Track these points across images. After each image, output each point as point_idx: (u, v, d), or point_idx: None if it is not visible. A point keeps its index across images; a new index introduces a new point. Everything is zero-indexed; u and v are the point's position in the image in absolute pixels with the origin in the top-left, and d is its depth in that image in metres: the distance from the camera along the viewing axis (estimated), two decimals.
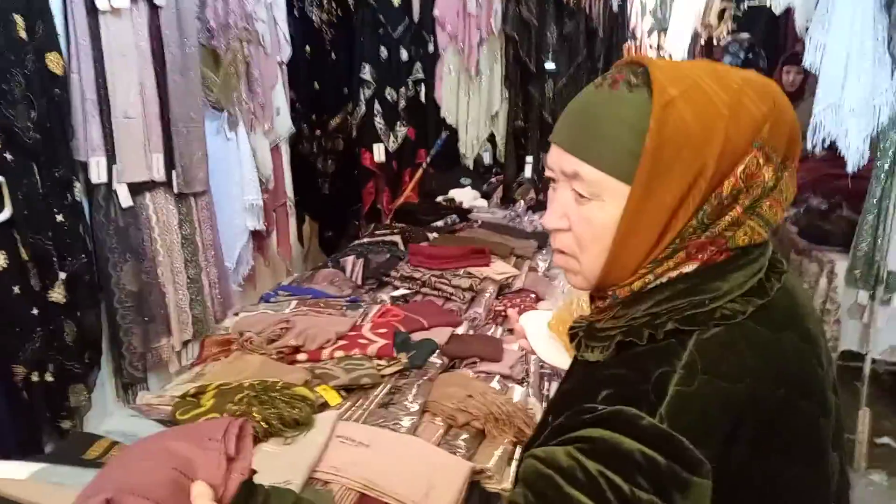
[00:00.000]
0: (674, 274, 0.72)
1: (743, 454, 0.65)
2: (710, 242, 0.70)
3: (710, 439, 0.63)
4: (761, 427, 0.66)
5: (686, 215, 0.69)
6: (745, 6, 6.31)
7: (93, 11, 2.20)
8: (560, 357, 1.17)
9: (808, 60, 2.83)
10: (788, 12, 5.52)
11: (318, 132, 3.78)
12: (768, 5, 5.98)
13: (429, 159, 3.77)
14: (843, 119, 2.77)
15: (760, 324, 0.69)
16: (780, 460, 0.68)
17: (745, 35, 4.56)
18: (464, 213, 3.37)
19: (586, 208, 0.73)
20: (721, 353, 0.67)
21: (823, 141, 2.83)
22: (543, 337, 1.20)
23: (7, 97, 1.95)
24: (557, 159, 0.76)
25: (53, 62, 2.10)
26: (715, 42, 6.87)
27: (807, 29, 3.01)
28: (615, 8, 3.63)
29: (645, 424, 0.63)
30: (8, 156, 1.98)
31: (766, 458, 0.66)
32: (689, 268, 0.72)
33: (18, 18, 2.00)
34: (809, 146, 2.85)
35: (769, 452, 0.67)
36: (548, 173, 0.80)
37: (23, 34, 2.01)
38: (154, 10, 2.40)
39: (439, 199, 3.57)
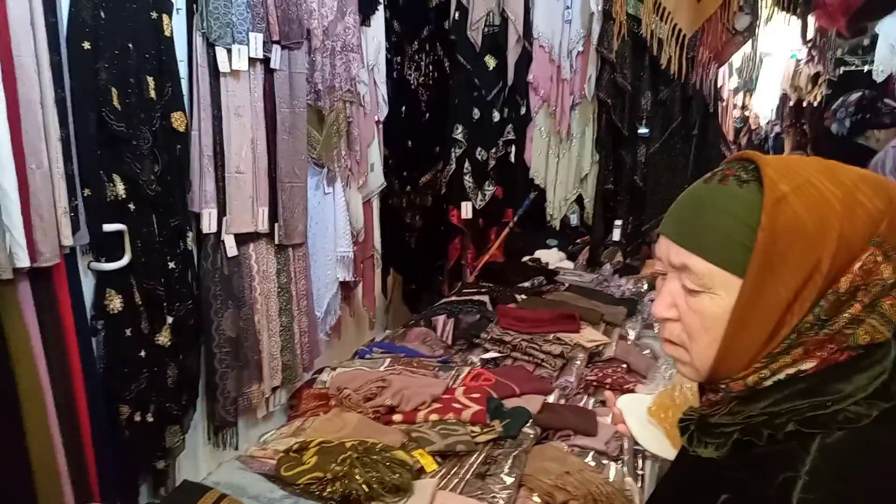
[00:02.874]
0: (792, 371, 0.71)
1: None
2: (829, 340, 0.69)
3: None
4: None
5: (801, 310, 0.68)
6: (842, 70, 6.16)
7: (215, 74, 2.35)
8: (660, 445, 1.13)
9: None
10: (889, 79, 5.35)
11: (408, 188, 3.87)
12: (865, 71, 5.83)
13: (516, 218, 3.79)
14: None
15: (886, 428, 0.67)
16: None
17: (854, 96, 4.27)
18: (550, 275, 3.36)
19: (696, 300, 0.74)
20: (846, 458, 0.65)
21: None
22: (643, 423, 1.16)
23: (136, 152, 2.09)
24: (666, 251, 0.77)
25: (178, 120, 2.24)
26: (804, 104, 6.74)
27: None
28: (711, 75, 3.60)
29: None
30: (132, 206, 2.11)
31: None
32: (807, 365, 0.70)
33: (150, 80, 2.15)
34: None
35: None
36: (657, 266, 0.81)
37: (153, 94, 2.15)
38: (269, 72, 2.54)
39: (525, 258, 3.58)
